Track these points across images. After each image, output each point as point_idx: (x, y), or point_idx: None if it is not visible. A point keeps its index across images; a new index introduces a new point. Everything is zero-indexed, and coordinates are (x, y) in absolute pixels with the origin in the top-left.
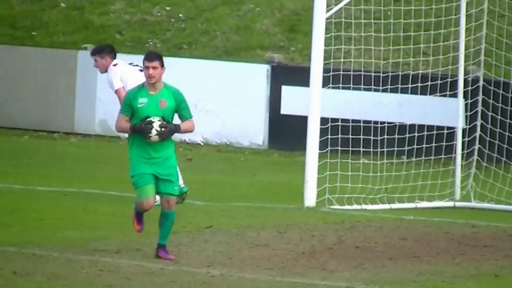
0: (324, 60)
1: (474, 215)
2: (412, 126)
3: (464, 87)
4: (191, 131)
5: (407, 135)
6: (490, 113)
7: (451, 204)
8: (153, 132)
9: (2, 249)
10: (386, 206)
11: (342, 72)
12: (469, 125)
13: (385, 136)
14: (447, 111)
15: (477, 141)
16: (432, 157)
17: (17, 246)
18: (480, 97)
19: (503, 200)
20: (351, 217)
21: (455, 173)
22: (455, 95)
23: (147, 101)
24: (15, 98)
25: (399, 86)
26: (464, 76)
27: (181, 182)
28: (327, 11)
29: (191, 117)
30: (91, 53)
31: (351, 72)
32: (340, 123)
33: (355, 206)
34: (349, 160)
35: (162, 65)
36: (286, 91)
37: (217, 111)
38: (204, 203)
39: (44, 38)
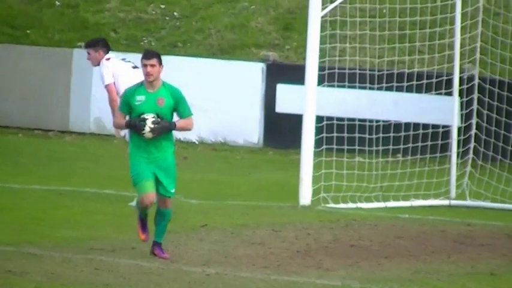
0: (319, 59)
1: (470, 214)
2: (407, 124)
3: (459, 86)
4: (189, 129)
5: (402, 134)
6: (485, 111)
7: (446, 202)
8: (147, 128)
9: None
10: (382, 205)
11: (337, 71)
12: (465, 123)
13: (381, 134)
14: (442, 110)
15: (472, 140)
16: (427, 155)
17: (13, 246)
18: (475, 95)
19: (498, 198)
20: (346, 215)
21: (450, 171)
22: (450, 93)
23: (144, 99)
24: (10, 97)
25: (394, 84)
26: (460, 74)
27: None
28: (322, 9)
29: (190, 115)
30: (85, 45)
31: (346, 71)
32: (335, 121)
33: (350, 205)
34: (345, 158)
35: (160, 63)
36: (282, 89)
37: (212, 109)
38: (199, 202)
39: (39, 37)
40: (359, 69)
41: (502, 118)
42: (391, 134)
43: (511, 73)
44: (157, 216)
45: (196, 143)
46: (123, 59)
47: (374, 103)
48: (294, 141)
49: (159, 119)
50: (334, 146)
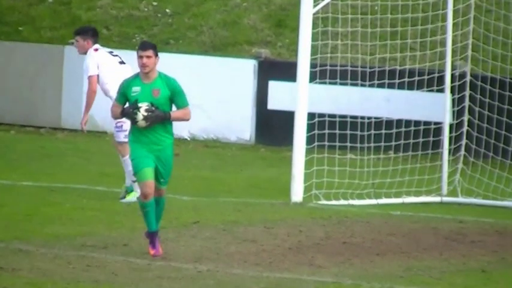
0: (311, 56)
1: (461, 210)
2: (399, 121)
3: (451, 82)
4: (186, 119)
5: (394, 131)
6: (477, 108)
7: (438, 199)
8: (139, 116)
9: None
10: (374, 202)
11: (329, 68)
12: (456, 120)
13: (372, 131)
14: (434, 106)
15: (464, 137)
16: (419, 152)
17: (3, 242)
18: (467, 92)
19: (490, 195)
20: (338, 212)
21: (442, 168)
22: (442, 90)
23: (140, 90)
24: (2, 93)
25: (386, 81)
26: (452, 71)
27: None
28: (314, 6)
29: (186, 105)
30: (74, 32)
31: (338, 68)
32: (327, 118)
33: (342, 202)
34: (336, 155)
35: (156, 55)
36: (273, 86)
37: (204, 106)
38: (191, 199)
39: (31, 33)
40: (351, 66)
41: (493, 115)
42: (383, 131)
43: (502, 70)
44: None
45: (188, 139)
46: (110, 52)
47: (366, 100)
48: (285, 138)
49: (153, 108)
50: (326, 143)
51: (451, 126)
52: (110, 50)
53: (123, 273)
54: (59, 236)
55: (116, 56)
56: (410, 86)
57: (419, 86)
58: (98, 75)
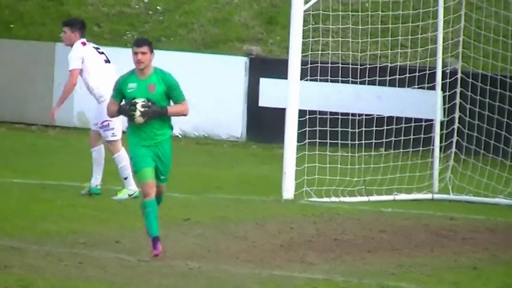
0: (302, 53)
1: (452, 208)
2: (390, 118)
3: (442, 80)
4: (184, 115)
5: (385, 128)
6: (468, 106)
7: (429, 196)
8: (137, 113)
9: None
10: (365, 199)
11: (320, 65)
12: (447, 117)
13: (363, 128)
14: (425, 104)
15: (455, 134)
16: (410, 149)
17: None
18: (458, 89)
19: (481, 192)
20: (329, 209)
21: (433, 165)
22: (433, 87)
23: (136, 86)
24: None
25: (377, 78)
26: (443, 68)
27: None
28: (305, 3)
29: (183, 100)
30: (63, 22)
31: (329, 65)
32: (318, 115)
33: (334, 199)
34: (327, 152)
35: (152, 51)
36: (265, 83)
37: (195, 103)
38: (182, 195)
39: (21, 30)
40: (342, 63)
41: (484, 112)
42: (374, 128)
43: (493, 67)
44: None
45: (180, 136)
46: (97, 49)
47: (357, 97)
48: (277, 135)
49: (149, 103)
50: (317, 140)
51: (442, 123)
52: (96, 46)
53: (114, 270)
54: (50, 233)
55: (102, 53)
56: (402, 83)
57: (410, 83)
58: (81, 70)
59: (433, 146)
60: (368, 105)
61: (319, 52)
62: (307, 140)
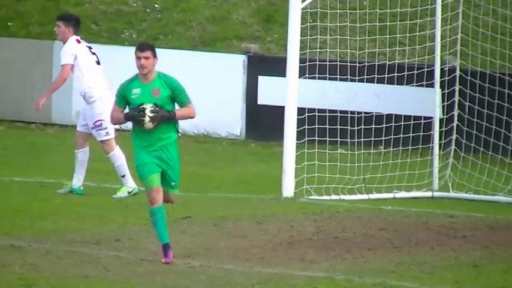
0: (300, 51)
1: (452, 205)
2: (389, 116)
3: (440, 77)
4: (191, 117)
5: (384, 125)
6: (467, 103)
7: (429, 194)
8: (146, 118)
9: None
10: (365, 196)
11: (318, 63)
12: (446, 115)
13: (362, 126)
14: (424, 101)
15: (454, 131)
16: (410, 147)
17: None
18: (457, 87)
19: (481, 190)
20: (329, 207)
21: (433, 163)
22: (432, 85)
23: (140, 91)
24: None
25: (376, 76)
26: (441, 66)
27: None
28: (303, 1)
29: (189, 103)
30: (57, 17)
31: (327, 63)
32: (317, 113)
33: (333, 196)
34: (327, 150)
35: (155, 55)
36: (263, 81)
37: (194, 101)
38: (181, 194)
39: (20, 29)
40: (340, 61)
41: (483, 110)
42: (373, 126)
43: (492, 65)
44: None
45: (179, 135)
46: (90, 48)
47: (355, 95)
48: (276, 133)
49: (157, 108)
50: (316, 138)
51: (441, 120)
52: (89, 45)
53: (114, 268)
54: (49, 232)
55: (94, 54)
56: (400, 81)
57: (409, 80)
58: (72, 66)
59: (432, 143)
60: (367, 103)
61: (317, 50)
62: (306, 138)
